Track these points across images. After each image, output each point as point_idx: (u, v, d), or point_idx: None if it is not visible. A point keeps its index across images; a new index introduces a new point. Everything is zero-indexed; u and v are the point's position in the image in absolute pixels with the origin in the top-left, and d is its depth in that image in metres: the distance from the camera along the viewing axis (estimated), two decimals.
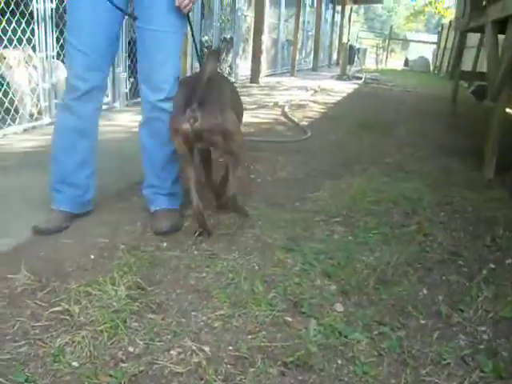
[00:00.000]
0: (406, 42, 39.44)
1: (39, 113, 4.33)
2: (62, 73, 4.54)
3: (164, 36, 2.13)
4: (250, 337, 1.55)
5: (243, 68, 10.02)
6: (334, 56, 21.40)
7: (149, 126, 2.28)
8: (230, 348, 1.49)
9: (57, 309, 1.62)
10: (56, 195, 2.29)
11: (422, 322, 1.71)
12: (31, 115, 4.25)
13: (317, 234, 2.35)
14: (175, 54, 2.21)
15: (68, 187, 2.28)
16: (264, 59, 9.91)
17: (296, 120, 5.40)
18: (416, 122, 6.00)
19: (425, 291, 1.90)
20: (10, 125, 3.94)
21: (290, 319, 1.65)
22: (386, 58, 25.51)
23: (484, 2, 5.07)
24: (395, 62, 29.66)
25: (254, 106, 6.06)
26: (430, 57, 23.95)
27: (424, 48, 29.71)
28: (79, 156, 2.26)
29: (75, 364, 1.38)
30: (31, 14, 4.03)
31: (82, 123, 2.22)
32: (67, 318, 1.58)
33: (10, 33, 3.86)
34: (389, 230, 2.44)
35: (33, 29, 4.06)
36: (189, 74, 6.43)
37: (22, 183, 2.80)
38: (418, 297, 1.86)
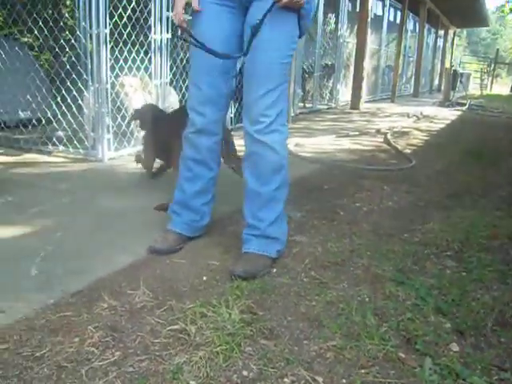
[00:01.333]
0: None
1: None
2: (173, 98, 4.80)
3: (267, 66, 2.08)
4: (363, 371, 1.52)
5: (344, 93, 10.03)
6: (436, 81, 20.83)
7: (249, 159, 2.20)
8: (344, 381, 1.47)
9: (174, 327, 1.69)
10: (174, 217, 2.40)
11: None
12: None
13: (428, 267, 2.27)
14: (281, 85, 2.10)
15: (186, 211, 2.37)
16: (364, 85, 9.86)
17: (399, 148, 5.30)
18: None
19: None
20: (125, 147, 4.21)
21: (403, 355, 1.61)
22: (491, 83, 24.41)
23: None
24: (501, 88, 28.31)
25: (355, 133, 6.02)
26: None
27: None
28: (198, 184, 2.35)
29: (193, 383, 1.43)
30: (149, 44, 4.31)
31: (201, 155, 2.29)
32: (184, 336, 1.64)
33: (130, 62, 4.15)
34: (505, 267, 2.31)
35: (150, 58, 4.34)
36: (291, 100, 6.52)
37: (137, 203, 2.97)
38: None
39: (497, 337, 1.75)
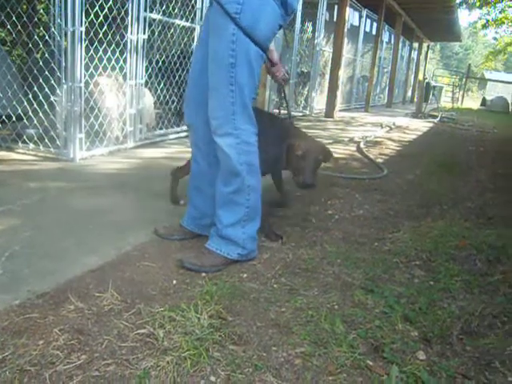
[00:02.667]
0: (483, 81, 38.48)
1: (124, 136, 4.53)
2: (148, 99, 4.76)
3: (210, 69, 2.13)
4: (331, 378, 1.52)
5: (319, 101, 10.10)
6: (409, 93, 21.18)
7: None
8: None
9: (142, 331, 1.67)
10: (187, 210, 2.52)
11: (510, 379, 1.62)
12: (117, 138, 4.47)
13: (397, 276, 2.30)
14: (222, 87, 2.09)
15: (190, 205, 2.49)
16: (339, 94, 9.95)
17: (372, 157, 5.36)
18: (497, 164, 5.80)
19: None
20: (97, 146, 4.15)
21: (371, 363, 1.62)
22: (463, 96, 24.92)
23: None
24: (472, 102, 28.93)
25: (329, 141, 6.07)
26: (508, 97, 23.21)
27: (502, 88, 28.84)
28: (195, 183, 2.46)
29: None
30: (125, 44, 4.27)
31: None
32: (152, 341, 1.62)
33: (105, 61, 4.10)
34: (472, 277, 2.35)
35: (125, 58, 4.29)
36: (266, 106, 6.55)
37: (109, 204, 2.93)
38: (505, 352, 1.76)
39: (462, 345, 1.78)
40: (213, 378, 1.48)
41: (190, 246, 2.42)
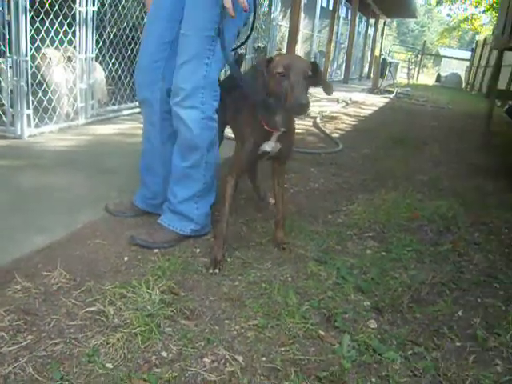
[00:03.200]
0: (438, 58, 39.14)
1: (75, 113, 4.40)
2: (99, 74, 4.62)
3: (185, 39, 2.03)
4: (283, 349, 1.53)
5: None
6: (366, 69, 21.33)
7: (176, 133, 2.15)
8: (264, 359, 1.48)
9: (92, 309, 1.63)
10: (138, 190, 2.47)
11: (458, 344, 1.67)
12: (67, 115, 4.33)
13: (350, 247, 2.32)
14: (194, 59, 2.01)
15: (142, 184, 2.43)
16: None
17: (328, 131, 5.38)
18: (449, 139, 5.93)
19: (460, 313, 1.86)
20: (47, 123, 4.01)
21: (323, 333, 1.63)
22: (418, 73, 25.29)
23: None
24: (427, 78, 29.42)
25: None
26: (462, 73, 23.70)
27: (456, 64, 29.42)
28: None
29: (109, 365, 1.39)
30: (73, 16, 4.11)
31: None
32: (102, 318, 1.59)
33: (52, 34, 3.94)
34: (423, 247, 2.40)
35: (74, 31, 4.14)
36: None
37: (58, 182, 2.84)
38: (453, 318, 1.82)
39: (412, 313, 1.82)
40: (164, 353, 1.46)
41: (142, 223, 2.37)
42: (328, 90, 2.03)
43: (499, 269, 2.27)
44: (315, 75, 1.90)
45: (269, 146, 2.05)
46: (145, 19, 4.99)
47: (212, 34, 1.98)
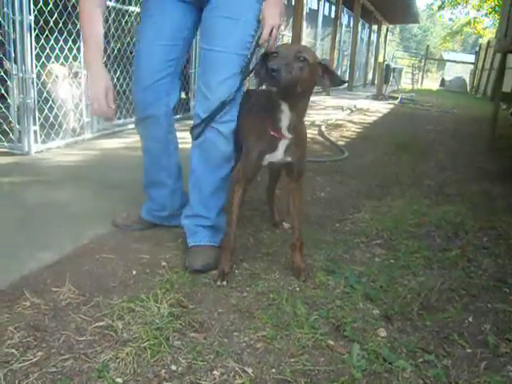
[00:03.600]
0: (441, 62, 39.10)
1: (81, 128, 4.43)
2: None
3: (224, 56, 2.03)
4: (292, 360, 1.53)
5: None
6: (370, 75, 21.37)
7: (201, 147, 2.14)
8: (273, 371, 1.47)
9: (100, 324, 1.63)
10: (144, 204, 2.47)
11: (469, 350, 1.66)
12: (73, 130, 4.36)
13: (358, 256, 2.32)
14: (234, 76, 2.03)
15: (148, 197, 2.44)
16: None
17: (333, 139, 5.38)
18: (455, 143, 5.92)
19: (470, 319, 1.84)
20: (53, 139, 4.04)
21: (332, 343, 1.63)
22: (422, 77, 25.30)
23: None
24: (431, 82, 29.40)
25: None
26: (466, 77, 23.68)
27: (461, 68, 29.40)
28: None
29: (119, 380, 1.39)
30: (78, 32, 4.15)
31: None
32: (111, 333, 1.59)
33: (57, 50, 3.98)
34: (431, 253, 2.39)
35: (79, 47, 4.17)
36: None
37: (65, 197, 2.86)
38: (463, 324, 1.81)
39: (422, 320, 1.81)
40: (174, 367, 1.46)
41: (149, 236, 2.38)
42: (336, 80, 1.96)
43: (509, 273, 2.26)
44: (324, 74, 1.90)
45: (276, 156, 1.99)
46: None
47: (247, 52, 2.03)
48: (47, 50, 3.87)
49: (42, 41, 3.84)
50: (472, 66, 22.95)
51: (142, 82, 2.17)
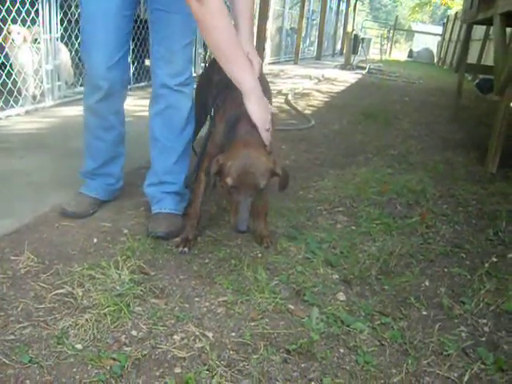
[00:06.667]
0: (410, 33, 39.19)
1: (42, 95, 4.31)
2: (64, 55, 4.53)
3: (186, 19, 1.98)
4: (252, 324, 1.55)
5: None
6: (338, 45, 21.31)
7: (163, 114, 2.12)
8: (233, 334, 1.49)
9: (60, 291, 1.62)
10: (89, 182, 2.31)
11: (424, 313, 1.71)
12: (34, 97, 4.24)
13: (320, 223, 2.35)
14: (192, 38, 2.09)
15: (102, 176, 2.30)
16: (268, 46, 9.86)
17: (299, 108, 5.38)
18: (420, 113, 5.98)
19: (427, 283, 1.90)
20: (12, 106, 3.92)
21: (292, 307, 1.66)
22: (391, 48, 25.36)
23: None
24: (399, 53, 29.52)
25: None
26: (434, 48, 23.83)
27: (429, 39, 29.54)
28: (112, 150, 2.30)
29: (79, 346, 1.39)
30: None
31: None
32: (71, 300, 1.58)
33: (13, 13, 3.83)
34: (391, 220, 2.44)
35: (37, 10, 4.02)
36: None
37: (25, 165, 2.79)
38: (420, 288, 1.86)
39: (380, 285, 1.85)
40: (134, 332, 1.47)
41: (111, 204, 2.35)
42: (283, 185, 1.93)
43: (466, 239, 2.32)
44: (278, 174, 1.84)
45: None
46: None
47: None
48: (3, 12, 3.71)
49: None
50: (440, 38, 23.08)
51: (102, 60, 2.02)
